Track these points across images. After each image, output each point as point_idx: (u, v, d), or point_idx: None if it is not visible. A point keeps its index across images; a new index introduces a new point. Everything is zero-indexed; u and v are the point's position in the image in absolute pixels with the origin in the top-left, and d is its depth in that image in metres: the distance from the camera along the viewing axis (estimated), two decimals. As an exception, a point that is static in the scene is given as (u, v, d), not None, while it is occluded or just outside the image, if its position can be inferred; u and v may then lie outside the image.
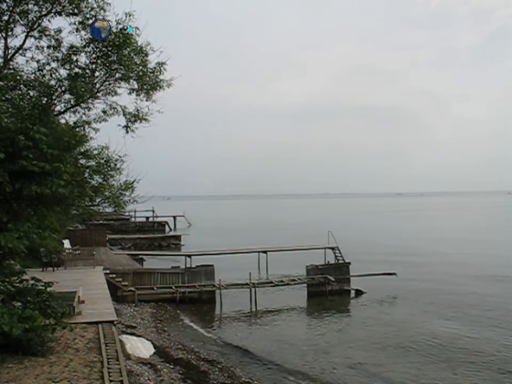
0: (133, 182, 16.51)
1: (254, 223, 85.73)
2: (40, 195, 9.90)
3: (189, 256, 29.56)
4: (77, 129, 14.18)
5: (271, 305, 23.63)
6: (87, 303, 14.61)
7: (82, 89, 15.15)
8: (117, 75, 15.94)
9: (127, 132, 16.64)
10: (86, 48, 15.30)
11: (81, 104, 16.21)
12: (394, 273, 28.04)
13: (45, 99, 13.65)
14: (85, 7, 14.82)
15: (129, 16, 14.69)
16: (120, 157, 16.19)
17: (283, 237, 52.49)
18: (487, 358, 15.73)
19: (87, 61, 15.62)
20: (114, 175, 16.23)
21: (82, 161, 15.34)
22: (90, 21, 14.64)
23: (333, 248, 29.94)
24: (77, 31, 15.19)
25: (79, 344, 10.73)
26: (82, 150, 14.62)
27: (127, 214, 65.65)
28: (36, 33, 15.64)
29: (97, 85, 16.04)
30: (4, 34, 15.13)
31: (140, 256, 32.55)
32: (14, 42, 15.51)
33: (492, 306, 22.70)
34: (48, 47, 15.90)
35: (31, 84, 14.74)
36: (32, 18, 15.17)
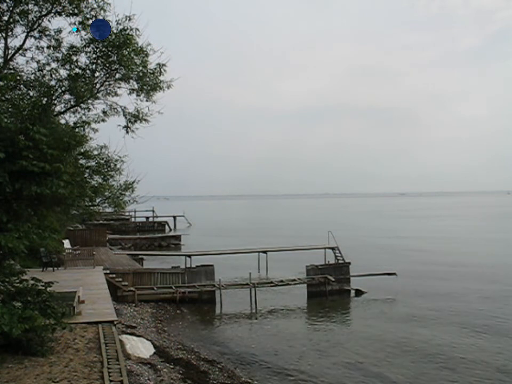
0: (132, 183, 16.54)
1: (254, 223, 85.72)
2: (40, 195, 9.91)
3: (189, 256, 29.55)
4: (77, 130, 14.16)
5: (271, 305, 23.63)
6: (87, 303, 14.61)
7: (83, 90, 15.17)
8: (117, 75, 15.96)
9: (127, 132, 16.65)
10: (86, 48, 15.32)
11: (81, 104, 16.22)
12: (394, 273, 28.04)
13: (45, 99, 13.65)
14: (85, 7, 14.83)
15: (129, 19, 14.72)
16: (120, 157, 16.23)
17: (283, 237, 52.49)
18: (486, 358, 15.73)
19: (87, 61, 15.64)
20: (114, 175, 16.25)
21: (82, 161, 15.34)
22: (90, 21, 14.66)
23: (333, 248, 29.93)
24: (77, 31, 15.20)
25: (79, 344, 10.74)
26: (82, 150, 14.63)
27: (127, 214, 65.68)
28: (36, 34, 15.65)
29: (97, 85, 16.06)
30: (4, 34, 15.14)
31: (140, 256, 32.53)
32: (14, 42, 15.54)
33: (492, 307, 22.69)
34: (48, 47, 15.92)
35: (31, 84, 14.75)
36: (32, 18, 15.17)
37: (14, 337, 9.15)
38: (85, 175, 15.20)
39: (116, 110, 16.79)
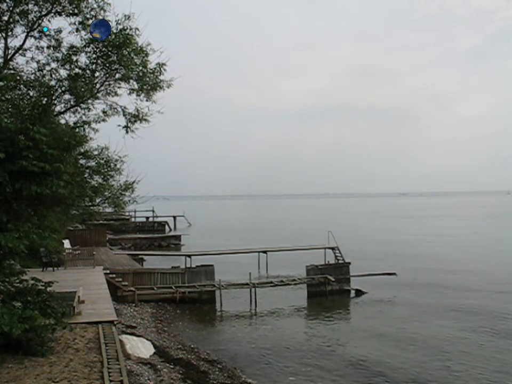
0: (133, 183, 16.55)
1: (254, 223, 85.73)
2: (40, 195, 9.91)
3: (189, 256, 29.55)
4: (77, 130, 14.17)
5: (271, 305, 23.62)
6: (87, 303, 14.61)
7: (83, 90, 15.18)
8: (117, 75, 15.97)
9: (127, 132, 16.66)
10: (86, 48, 15.33)
11: (81, 104, 16.23)
12: (394, 273, 28.05)
13: (45, 99, 13.65)
14: (85, 7, 14.84)
15: (128, 18, 14.73)
16: (120, 157, 16.24)
17: (283, 237, 52.49)
18: (487, 357, 15.74)
19: (87, 61, 15.65)
20: (114, 175, 16.26)
21: (82, 161, 15.36)
22: (90, 21, 14.66)
23: (333, 248, 29.93)
24: (77, 31, 15.22)
25: (79, 344, 10.74)
26: (82, 150, 14.64)
27: (127, 214, 65.69)
28: (36, 33, 15.65)
29: (97, 85, 16.07)
30: (4, 34, 15.14)
31: (140, 256, 32.56)
32: (14, 42, 15.54)
33: (492, 306, 22.69)
34: (48, 47, 15.91)
35: (31, 84, 14.76)
36: (32, 18, 15.17)
37: (14, 337, 9.15)
38: (85, 175, 15.21)
39: (115, 110, 16.81)
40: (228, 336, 18.70)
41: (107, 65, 15.59)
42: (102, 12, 14.90)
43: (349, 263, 27.52)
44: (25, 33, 15.37)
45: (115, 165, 16.24)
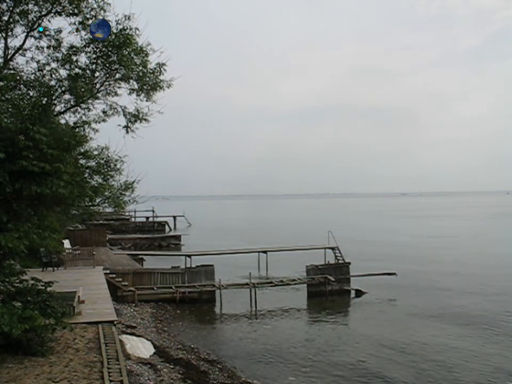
0: (132, 183, 16.55)
1: (254, 223, 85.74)
2: (40, 195, 9.91)
3: (189, 256, 29.55)
4: (77, 130, 14.16)
5: (271, 305, 23.62)
6: (87, 303, 14.61)
7: (83, 90, 15.17)
8: (117, 75, 15.96)
9: (127, 132, 16.66)
10: (86, 48, 15.32)
11: (81, 104, 16.22)
12: (394, 273, 28.04)
13: (45, 99, 13.64)
14: (85, 7, 14.83)
15: (128, 18, 14.73)
16: (120, 157, 16.24)
17: (283, 237, 52.49)
18: (486, 357, 15.75)
19: (87, 61, 15.64)
20: (114, 175, 16.26)
21: (82, 161, 15.35)
22: (90, 21, 14.66)
23: (333, 248, 29.93)
24: (77, 31, 15.21)
25: (79, 344, 10.74)
26: (82, 150, 14.63)
27: (127, 214, 65.70)
28: (36, 33, 15.64)
29: (97, 85, 16.06)
30: (4, 34, 15.13)
31: (140, 256, 32.54)
32: (14, 42, 15.54)
33: (492, 307, 22.70)
34: (48, 47, 15.91)
35: (31, 84, 14.76)
36: (32, 18, 15.17)
37: (14, 337, 9.15)
38: (85, 175, 15.21)
39: (116, 110, 16.80)
40: (228, 336, 18.70)
41: (107, 65, 15.58)
42: (102, 12, 14.90)
43: (349, 263, 27.52)
44: (25, 33, 15.37)
45: (115, 165, 16.24)
